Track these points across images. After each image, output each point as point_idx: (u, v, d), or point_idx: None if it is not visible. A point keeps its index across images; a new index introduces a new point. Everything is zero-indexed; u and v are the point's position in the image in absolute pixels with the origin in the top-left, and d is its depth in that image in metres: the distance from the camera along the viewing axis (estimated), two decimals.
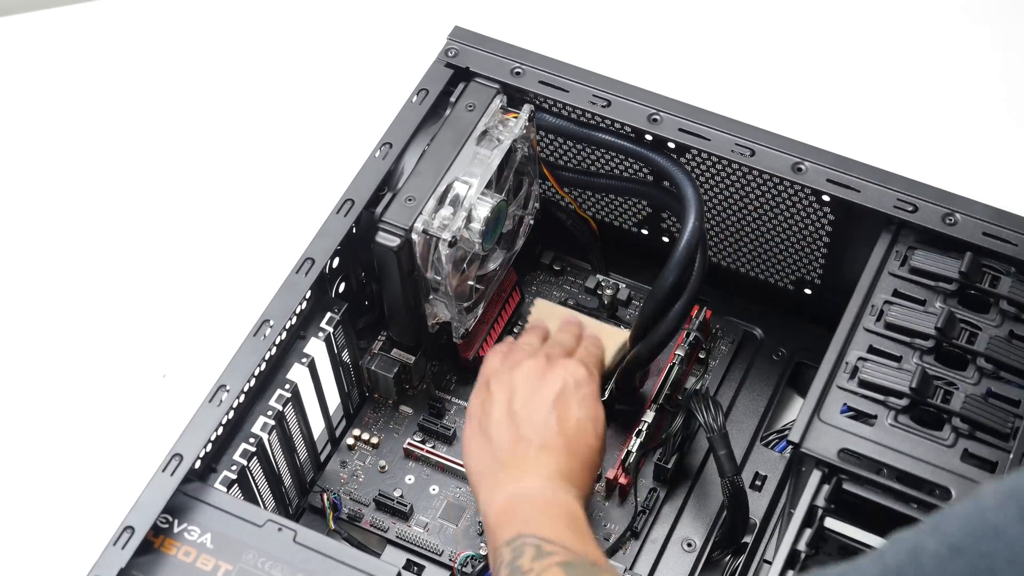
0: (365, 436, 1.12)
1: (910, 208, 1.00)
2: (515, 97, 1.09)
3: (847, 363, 0.94)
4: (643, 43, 1.45)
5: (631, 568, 1.04)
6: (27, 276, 1.31)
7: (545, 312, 1.13)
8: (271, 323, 0.97)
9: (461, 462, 1.08)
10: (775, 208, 1.07)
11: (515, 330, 1.16)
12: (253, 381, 0.96)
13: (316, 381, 1.04)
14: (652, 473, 1.08)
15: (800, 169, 1.03)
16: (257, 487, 0.99)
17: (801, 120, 1.28)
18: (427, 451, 1.10)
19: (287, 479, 1.05)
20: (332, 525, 1.07)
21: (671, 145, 1.06)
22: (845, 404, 0.93)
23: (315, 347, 1.02)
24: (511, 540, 0.87)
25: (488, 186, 1.04)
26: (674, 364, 1.09)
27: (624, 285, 1.17)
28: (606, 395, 1.07)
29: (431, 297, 1.05)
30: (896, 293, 0.97)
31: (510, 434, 0.95)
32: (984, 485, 0.64)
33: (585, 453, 0.95)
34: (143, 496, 0.90)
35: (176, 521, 0.90)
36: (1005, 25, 1.44)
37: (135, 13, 1.51)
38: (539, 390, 0.97)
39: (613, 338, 1.09)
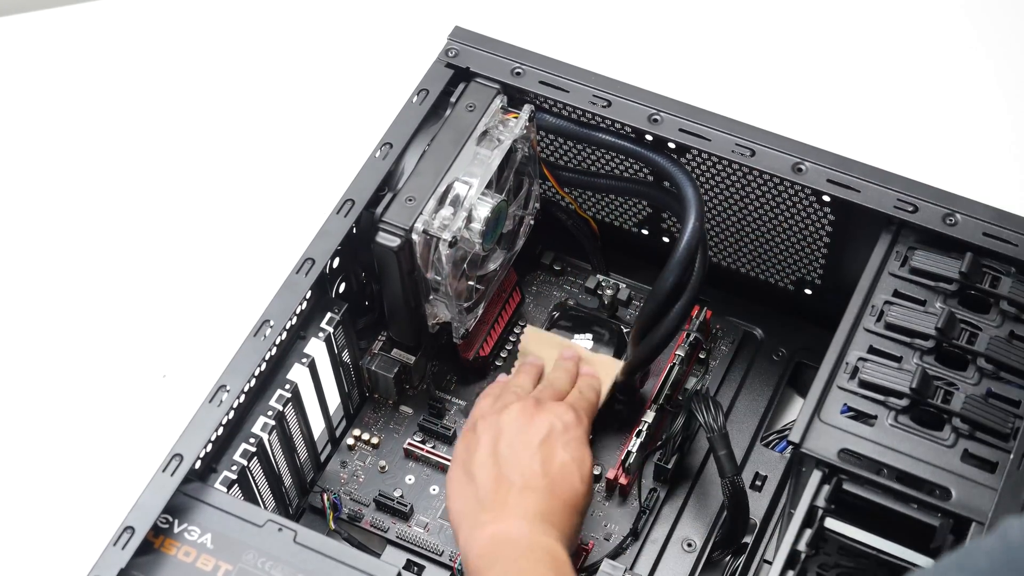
0: (365, 436, 1.12)
1: (910, 208, 1.00)
2: (515, 97, 1.09)
3: (847, 363, 0.94)
4: (643, 43, 1.45)
5: (631, 568, 1.04)
6: (27, 276, 1.31)
7: (537, 341, 1.11)
8: (271, 323, 0.97)
9: None
10: (775, 208, 1.07)
11: (515, 330, 1.16)
12: (253, 381, 0.96)
13: (316, 381, 1.04)
14: (652, 473, 1.08)
15: (800, 169, 1.03)
16: (257, 487, 0.99)
17: (801, 120, 1.28)
18: (427, 451, 1.10)
19: (287, 479, 1.05)
20: (332, 525, 1.07)
21: (671, 145, 1.06)
22: (845, 404, 0.93)
23: (315, 347, 1.02)
24: None
25: (488, 186, 1.04)
26: (674, 364, 1.09)
27: (624, 285, 1.17)
28: (602, 399, 1.07)
29: (431, 297, 1.05)
30: (896, 293, 0.97)
31: (493, 474, 0.95)
32: (1009, 520, 0.63)
33: (568, 495, 0.94)
34: (143, 496, 0.90)
35: (176, 521, 0.90)
36: (1005, 25, 1.44)
37: (135, 13, 1.51)
38: (525, 432, 0.97)
39: (609, 370, 1.08)
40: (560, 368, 1.06)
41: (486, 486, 0.94)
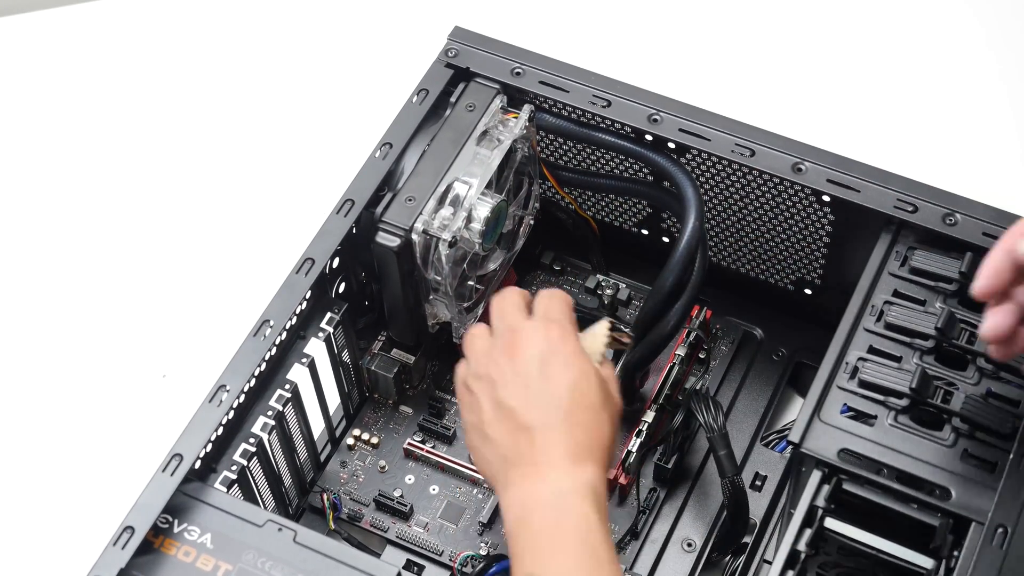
0: (365, 436, 1.12)
1: (910, 208, 1.00)
2: (515, 97, 1.09)
3: (847, 363, 0.94)
4: (643, 43, 1.45)
5: (631, 568, 1.04)
6: (27, 276, 1.31)
7: None
8: (271, 323, 0.97)
9: (461, 462, 1.08)
10: (775, 208, 1.07)
11: None
12: (253, 381, 0.96)
13: (316, 381, 1.04)
14: (652, 473, 1.08)
15: (800, 169, 1.03)
16: (257, 487, 0.99)
17: (801, 120, 1.28)
18: (427, 451, 1.10)
19: (287, 479, 1.05)
20: (332, 525, 1.07)
21: (671, 145, 1.06)
22: (845, 404, 0.93)
23: (315, 347, 1.02)
24: None
25: (488, 186, 1.04)
26: (674, 364, 1.09)
27: (624, 285, 1.17)
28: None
29: (431, 297, 1.05)
30: (896, 293, 0.97)
31: (506, 427, 0.90)
32: None
33: (588, 418, 0.88)
34: (143, 496, 0.90)
35: (176, 521, 0.90)
36: (1005, 25, 1.44)
37: (135, 13, 1.51)
38: (516, 369, 0.90)
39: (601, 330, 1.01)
40: (504, 296, 0.97)
41: (504, 442, 0.89)
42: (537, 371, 0.90)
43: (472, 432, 0.94)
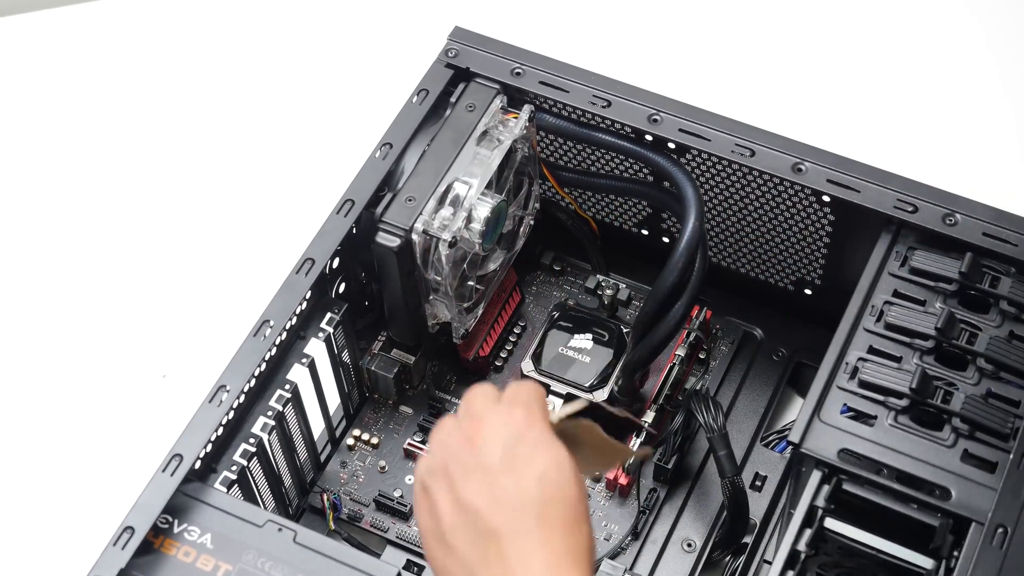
0: (365, 436, 1.12)
1: (910, 208, 1.00)
2: (515, 97, 1.09)
3: (847, 363, 0.94)
4: (643, 43, 1.45)
5: (631, 568, 1.04)
6: (27, 276, 1.31)
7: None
8: (271, 323, 0.97)
9: None
10: (775, 208, 1.07)
11: (515, 330, 1.16)
12: (253, 381, 0.96)
13: (316, 381, 1.04)
14: (652, 473, 1.08)
15: (800, 169, 1.03)
16: (257, 487, 0.99)
17: (801, 120, 1.28)
18: (427, 451, 1.10)
19: (287, 479, 1.05)
20: (332, 525, 1.07)
21: (671, 145, 1.06)
22: (845, 404, 0.93)
23: (315, 347, 1.02)
24: None
25: (488, 186, 1.04)
26: (674, 364, 1.09)
27: (624, 285, 1.17)
28: (607, 395, 1.07)
29: (431, 297, 1.05)
30: (896, 293, 0.97)
31: (470, 533, 0.75)
32: None
33: (565, 516, 0.75)
34: (143, 496, 0.90)
35: (176, 521, 0.90)
36: (1005, 25, 1.44)
37: (135, 13, 1.51)
38: (478, 461, 0.77)
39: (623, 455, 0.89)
40: (475, 392, 0.82)
41: (469, 553, 0.75)
42: (500, 462, 0.76)
43: (430, 539, 0.78)
